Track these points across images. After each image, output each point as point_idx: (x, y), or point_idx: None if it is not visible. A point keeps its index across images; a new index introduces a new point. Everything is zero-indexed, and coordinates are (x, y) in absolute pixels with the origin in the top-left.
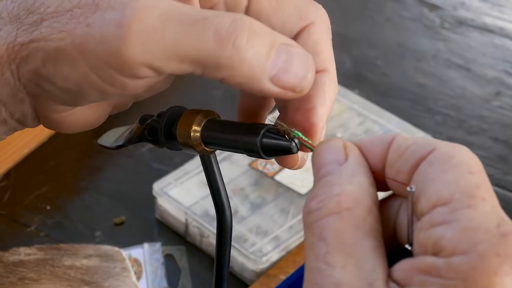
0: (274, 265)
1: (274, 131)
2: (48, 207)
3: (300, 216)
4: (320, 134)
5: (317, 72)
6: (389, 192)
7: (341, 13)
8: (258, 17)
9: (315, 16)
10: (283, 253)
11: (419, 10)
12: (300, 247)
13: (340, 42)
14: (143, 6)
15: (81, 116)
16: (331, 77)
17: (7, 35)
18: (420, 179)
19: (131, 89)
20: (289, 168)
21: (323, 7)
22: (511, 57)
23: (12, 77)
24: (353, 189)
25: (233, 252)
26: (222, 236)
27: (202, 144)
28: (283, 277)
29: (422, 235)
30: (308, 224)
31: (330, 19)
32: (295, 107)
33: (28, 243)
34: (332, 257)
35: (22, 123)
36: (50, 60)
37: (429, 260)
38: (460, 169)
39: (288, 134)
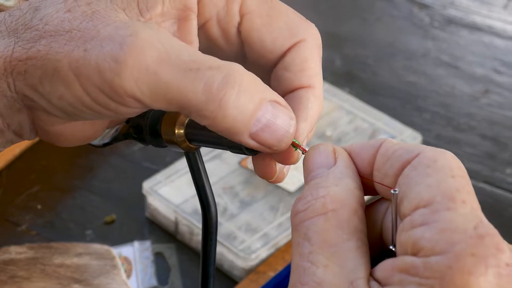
0: (263, 262)
1: None
2: (39, 206)
3: (288, 214)
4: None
5: (302, 88)
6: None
7: (332, 12)
8: (249, 33)
9: (306, 33)
10: (272, 250)
11: (408, 9)
12: (289, 244)
13: (331, 41)
14: (141, 44)
15: (78, 129)
16: (316, 94)
17: (4, 48)
18: (404, 182)
19: (123, 114)
20: (267, 179)
21: (314, 6)
22: (499, 55)
23: (9, 90)
24: (339, 191)
25: (222, 249)
26: (208, 231)
27: (187, 141)
28: (272, 274)
29: (403, 235)
30: (295, 225)
31: (321, 18)
32: None
33: (19, 242)
34: (315, 257)
35: (19, 135)
36: (47, 79)
37: (408, 259)
38: (442, 172)
39: None
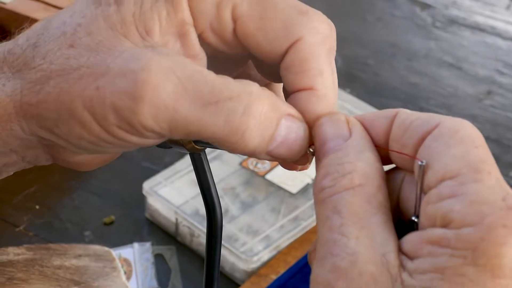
0: (265, 264)
1: None
2: (37, 207)
3: (290, 216)
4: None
5: (303, 90)
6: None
7: (333, 12)
8: (245, 39)
9: (304, 30)
10: (274, 252)
11: (410, 9)
12: (290, 246)
13: None
14: (155, 78)
15: (98, 156)
16: (319, 95)
17: (11, 91)
18: (426, 153)
19: (142, 144)
20: (293, 169)
21: (313, 6)
22: (502, 56)
23: (23, 132)
24: (363, 165)
25: (224, 251)
26: (212, 235)
27: (192, 142)
28: (274, 276)
29: (430, 208)
30: (321, 200)
31: None
32: None
33: (17, 243)
34: (347, 229)
35: (35, 163)
36: (62, 121)
37: (439, 232)
38: (466, 143)
39: None
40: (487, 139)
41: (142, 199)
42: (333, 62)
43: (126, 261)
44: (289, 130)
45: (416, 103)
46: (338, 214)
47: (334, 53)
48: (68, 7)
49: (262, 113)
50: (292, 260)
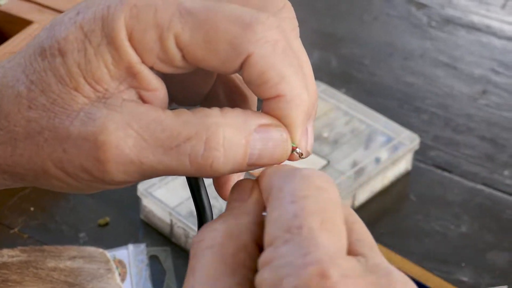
0: None
1: None
2: (32, 209)
3: None
4: (303, 143)
5: (271, 99)
6: None
7: (329, 11)
8: (197, 64)
9: (252, 46)
10: None
11: (406, 9)
12: None
13: (327, 41)
14: (114, 139)
15: None
16: (287, 100)
17: None
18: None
19: (120, 186)
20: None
21: (310, 5)
22: (498, 55)
23: (5, 180)
24: (232, 225)
25: None
26: None
27: None
28: None
29: (256, 277)
30: (190, 255)
31: (317, 17)
32: None
33: (11, 245)
34: None
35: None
36: (40, 178)
37: None
38: (283, 201)
39: None
40: (483, 138)
41: (137, 200)
42: (297, 50)
43: (120, 263)
44: (264, 140)
45: (412, 103)
46: (192, 274)
47: (296, 39)
48: (15, 56)
49: (225, 141)
50: None
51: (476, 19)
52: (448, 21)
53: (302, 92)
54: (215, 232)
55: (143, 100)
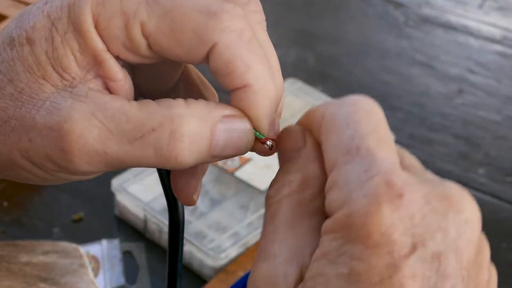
0: (233, 261)
1: None
2: (5, 204)
3: (259, 212)
4: (272, 133)
5: (238, 89)
6: None
7: (306, 10)
8: (162, 53)
9: (216, 33)
10: (242, 249)
11: (383, 8)
12: (259, 243)
13: (305, 39)
14: (79, 128)
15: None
16: (254, 90)
17: None
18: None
19: (86, 177)
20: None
21: (287, 4)
22: (474, 55)
23: None
24: (305, 174)
25: (192, 248)
26: (174, 231)
27: None
28: (242, 273)
29: (325, 202)
30: (266, 208)
31: (294, 16)
32: None
33: None
34: (276, 234)
35: None
36: (7, 168)
37: (325, 223)
38: (339, 127)
39: None
40: (458, 137)
41: (111, 196)
42: (263, 41)
43: (94, 258)
44: (229, 131)
45: (388, 101)
46: (272, 221)
47: (262, 31)
48: None
49: (190, 132)
50: None
51: (453, 18)
52: (425, 20)
53: (268, 82)
54: (289, 183)
55: (109, 90)
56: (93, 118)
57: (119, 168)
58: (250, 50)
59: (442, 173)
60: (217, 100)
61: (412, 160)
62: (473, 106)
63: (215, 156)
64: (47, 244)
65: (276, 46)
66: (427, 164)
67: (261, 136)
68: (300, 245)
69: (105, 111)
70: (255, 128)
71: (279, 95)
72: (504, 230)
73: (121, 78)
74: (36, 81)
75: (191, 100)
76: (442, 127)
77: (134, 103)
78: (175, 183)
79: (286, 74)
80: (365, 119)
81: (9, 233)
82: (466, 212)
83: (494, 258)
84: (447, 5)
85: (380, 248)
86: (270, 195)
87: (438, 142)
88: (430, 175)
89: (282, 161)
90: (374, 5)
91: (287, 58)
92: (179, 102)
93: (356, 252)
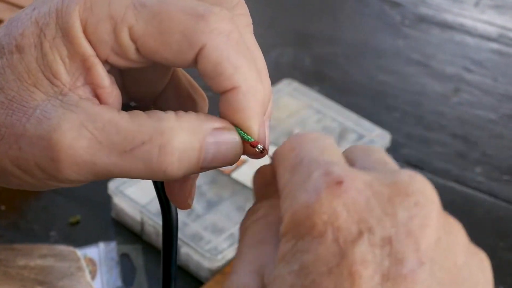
0: (230, 262)
1: None
2: (3, 208)
3: None
4: (262, 136)
5: (227, 91)
6: None
7: (302, 10)
8: (151, 56)
9: (205, 37)
10: None
11: (380, 8)
12: None
13: (301, 40)
14: (68, 138)
15: None
16: (243, 92)
17: None
18: None
19: (75, 185)
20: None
21: (284, 4)
22: (471, 54)
23: None
24: (270, 203)
25: (188, 250)
26: (168, 234)
27: None
28: None
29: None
30: (240, 233)
31: (291, 17)
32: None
33: None
34: (240, 254)
35: None
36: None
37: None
38: (286, 155)
39: None
40: (454, 136)
41: (108, 199)
42: (250, 44)
43: (91, 261)
44: (218, 144)
45: (384, 101)
46: (239, 244)
47: (249, 34)
48: None
49: (180, 146)
50: None
51: (449, 17)
52: (422, 19)
53: (256, 84)
54: (256, 211)
55: (98, 98)
56: (83, 128)
57: (107, 178)
58: (238, 52)
59: (439, 172)
60: (207, 104)
61: (379, 156)
62: (469, 105)
63: (203, 168)
64: (44, 248)
65: (272, 47)
66: (424, 163)
67: (251, 139)
68: (262, 259)
69: (95, 122)
70: (245, 131)
71: (267, 97)
72: (501, 229)
73: (108, 85)
74: (26, 89)
75: (181, 113)
76: (438, 126)
77: (125, 114)
78: (169, 189)
79: (282, 75)
80: (310, 143)
81: (6, 237)
82: (416, 195)
83: (491, 256)
84: (443, 4)
85: (325, 236)
86: (241, 223)
87: (435, 141)
88: (395, 169)
89: (255, 196)
90: (370, 5)
91: (283, 59)
92: (170, 115)
93: (305, 246)
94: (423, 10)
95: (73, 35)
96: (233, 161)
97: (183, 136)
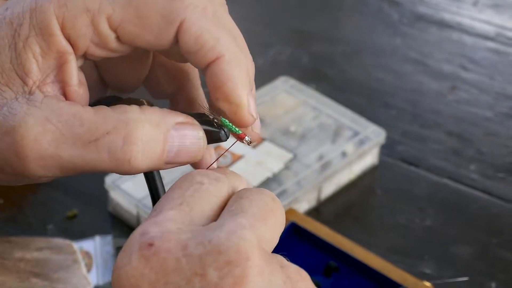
0: None
1: (203, 119)
2: (1, 201)
3: None
4: (253, 110)
5: (212, 63)
6: None
7: (300, 8)
8: (131, 41)
9: (182, 12)
10: None
11: (378, 6)
12: None
13: (299, 38)
14: (32, 133)
15: None
16: (227, 60)
17: None
18: None
19: (43, 180)
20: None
21: (282, 3)
22: (468, 52)
23: None
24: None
25: None
26: None
27: None
28: None
29: None
30: None
31: (289, 15)
32: (213, 98)
33: None
34: None
35: None
36: None
37: None
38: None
39: (217, 123)
40: (450, 133)
41: (104, 193)
42: (227, 20)
43: (87, 254)
44: (181, 137)
45: (381, 99)
46: None
47: (224, 11)
48: None
49: (144, 136)
50: None
51: (447, 16)
52: (420, 18)
53: (238, 53)
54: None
55: (65, 96)
56: (48, 122)
57: (74, 173)
58: (216, 24)
59: (434, 169)
60: (197, 74)
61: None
62: (466, 103)
63: (168, 162)
64: (41, 241)
65: (270, 45)
66: (420, 160)
67: (239, 131)
68: None
69: (59, 116)
70: (234, 100)
71: (251, 70)
72: (495, 226)
73: (76, 83)
74: None
75: (145, 107)
76: (434, 124)
77: (89, 108)
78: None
79: (280, 73)
80: (179, 189)
81: (3, 230)
82: (228, 253)
83: (485, 253)
84: (442, 2)
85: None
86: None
87: (431, 138)
88: (221, 224)
89: None
90: (368, 3)
91: (281, 57)
92: (134, 108)
93: None
94: (421, 9)
95: (50, 32)
96: (197, 156)
97: (147, 127)
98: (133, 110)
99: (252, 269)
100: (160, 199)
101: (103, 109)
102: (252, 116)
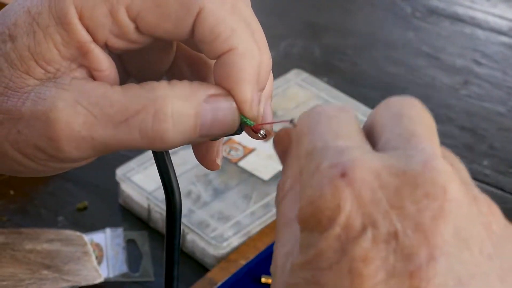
0: (235, 250)
1: None
2: (11, 192)
3: (262, 202)
4: (256, 107)
5: (224, 54)
6: None
7: (313, 1)
8: (150, 31)
9: (201, 1)
10: (244, 238)
11: (391, 0)
12: (261, 232)
13: (311, 31)
14: (65, 116)
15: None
16: (240, 53)
17: None
18: None
19: (77, 164)
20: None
21: None
22: (481, 46)
23: None
24: (293, 173)
25: (194, 237)
26: (172, 218)
27: None
28: (243, 262)
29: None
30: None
31: (301, 7)
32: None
33: None
34: (276, 235)
35: None
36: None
37: None
38: (301, 135)
39: None
40: (462, 128)
41: (115, 185)
42: (247, 13)
43: (97, 246)
44: (215, 111)
45: (393, 92)
46: (277, 224)
47: (246, 6)
48: None
49: (173, 112)
50: (262, 246)
51: (460, 10)
52: (432, 12)
53: (253, 46)
54: (283, 184)
55: (94, 79)
56: (78, 105)
57: (107, 152)
58: (234, 15)
59: None
60: None
61: (408, 125)
62: (478, 98)
63: (202, 135)
64: (51, 232)
65: (282, 37)
66: None
67: (252, 124)
68: (292, 241)
69: (89, 97)
70: (236, 94)
71: (265, 66)
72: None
73: (106, 67)
74: (20, 76)
75: (174, 81)
76: (447, 119)
77: (118, 87)
78: (197, 151)
79: (291, 66)
80: (325, 124)
81: (14, 221)
82: (426, 186)
83: None
84: None
85: (328, 232)
86: (275, 200)
87: (443, 133)
88: (410, 154)
89: (281, 163)
90: None
91: (293, 49)
92: (162, 83)
93: (312, 240)
94: (434, 3)
95: (69, 22)
96: (231, 127)
97: (176, 103)
98: (161, 87)
99: (451, 202)
100: (301, 142)
101: (131, 87)
102: (256, 113)
